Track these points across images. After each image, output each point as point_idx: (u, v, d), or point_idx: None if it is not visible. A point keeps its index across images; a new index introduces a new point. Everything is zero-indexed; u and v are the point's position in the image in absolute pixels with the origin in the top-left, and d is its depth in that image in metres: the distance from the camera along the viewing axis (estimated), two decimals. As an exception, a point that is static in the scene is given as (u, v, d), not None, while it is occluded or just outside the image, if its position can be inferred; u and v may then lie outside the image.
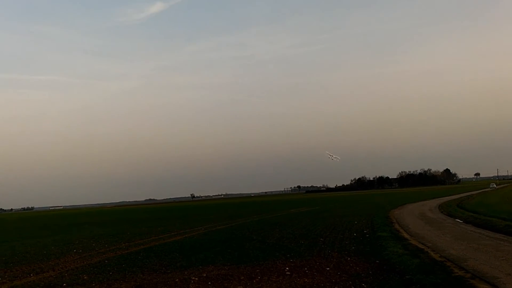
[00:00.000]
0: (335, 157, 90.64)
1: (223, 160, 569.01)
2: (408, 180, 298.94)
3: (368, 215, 42.32)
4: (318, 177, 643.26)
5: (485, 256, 16.46)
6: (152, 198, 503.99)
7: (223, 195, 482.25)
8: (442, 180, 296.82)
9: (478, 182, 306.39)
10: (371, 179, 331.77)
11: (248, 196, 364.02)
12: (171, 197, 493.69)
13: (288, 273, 14.66)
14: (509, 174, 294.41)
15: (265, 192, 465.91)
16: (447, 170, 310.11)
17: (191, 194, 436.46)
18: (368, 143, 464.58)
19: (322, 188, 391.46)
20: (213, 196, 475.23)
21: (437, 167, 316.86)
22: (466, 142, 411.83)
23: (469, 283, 12.01)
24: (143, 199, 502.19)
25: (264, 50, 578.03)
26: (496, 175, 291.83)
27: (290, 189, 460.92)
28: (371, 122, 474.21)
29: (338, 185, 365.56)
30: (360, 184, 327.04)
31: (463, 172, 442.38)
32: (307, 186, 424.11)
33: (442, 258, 16.63)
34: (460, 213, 39.14)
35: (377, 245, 20.54)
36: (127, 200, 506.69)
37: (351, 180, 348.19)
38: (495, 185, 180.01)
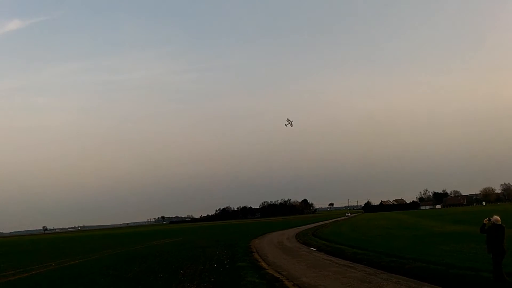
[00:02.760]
0: (289, 123, 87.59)
1: (81, 189, 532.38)
2: (270, 210, 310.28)
3: (230, 245, 42.81)
4: (183, 207, 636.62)
5: (334, 283, 17.60)
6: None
7: (80, 227, 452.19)
8: (300, 210, 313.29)
9: (332, 212, 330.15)
10: (235, 209, 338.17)
11: (108, 228, 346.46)
12: (20, 230, 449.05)
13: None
14: (358, 204, 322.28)
15: (127, 224, 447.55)
16: (305, 200, 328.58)
17: (43, 227, 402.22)
18: (232, 173, 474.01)
19: (186, 219, 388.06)
20: (69, 228, 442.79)
21: (296, 198, 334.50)
22: (321, 175, 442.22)
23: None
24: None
25: (131, 75, 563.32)
26: (348, 205, 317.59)
27: (153, 219, 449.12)
28: (234, 152, 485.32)
29: (203, 215, 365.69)
30: (225, 214, 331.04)
31: (319, 202, 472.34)
32: (172, 217, 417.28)
33: (295, 286, 17.40)
34: (314, 242, 41.50)
35: (235, 275, 20.78)
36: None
37: (216, 210, 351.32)
38: (349, 214, 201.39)
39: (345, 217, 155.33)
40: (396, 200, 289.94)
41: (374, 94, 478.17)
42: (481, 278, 15.56)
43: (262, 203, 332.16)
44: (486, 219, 15.01)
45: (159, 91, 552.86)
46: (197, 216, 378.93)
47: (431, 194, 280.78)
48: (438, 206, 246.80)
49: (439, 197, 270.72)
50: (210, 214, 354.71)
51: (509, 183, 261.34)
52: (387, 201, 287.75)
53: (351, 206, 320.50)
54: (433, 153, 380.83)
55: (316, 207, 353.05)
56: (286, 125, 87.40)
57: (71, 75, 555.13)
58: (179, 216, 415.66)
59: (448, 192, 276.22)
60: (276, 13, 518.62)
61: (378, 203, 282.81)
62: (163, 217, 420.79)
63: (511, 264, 17.39)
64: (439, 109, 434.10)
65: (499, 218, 14.82)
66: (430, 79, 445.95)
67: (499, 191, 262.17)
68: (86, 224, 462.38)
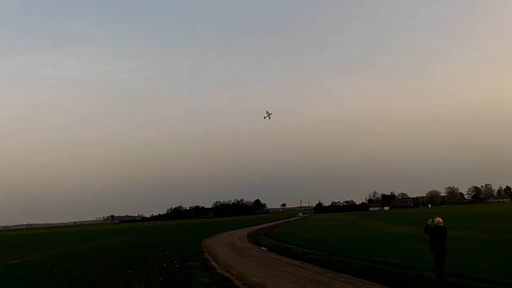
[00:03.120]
0: (267, 116, 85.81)
1: (26, 186, 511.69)
2: (223, 209, 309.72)
3: (181, 244, 42.36)
4: (133, 206, 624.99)
5: (283, 282, 17.73)
6: None
7: (25, 225, 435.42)
8: (253, 210, 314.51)
9: (284, 212, 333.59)
10: (188, 208, 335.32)
11: (55, 227, 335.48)
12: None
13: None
14: (310, 205, 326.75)
15: (74, 222, 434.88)
16: (257, 201, 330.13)
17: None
18: (185, 173, 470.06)
19: (137, 218, 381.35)
20: (13, 226, 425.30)
21: (249, 198, 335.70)
22: (274, 175, 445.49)
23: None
24: None
25: (84, 72, 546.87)
26: (300, 205, 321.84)
27: (102, 218, 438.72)
28: (188, 152, 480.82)
29: (154, 215, 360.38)
30: (177, 213, 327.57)
31: (272, 202, 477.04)
32: (122, 216, 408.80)
33: (245, 285, 17.40)
34: (265, 242, 41.72)
35: (185, 275, 20.55)
36: None
37: (168, 210, 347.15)
38: (301, 214, 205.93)
39: (297, 218, 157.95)
40: (346, 202, 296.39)
41: (324, 98, 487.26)
42: (424, 277, 16.09)
43: (214, 203, 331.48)
44: (430, 220, 15.53)
45: (108, 88, 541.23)
46: (148, 215, 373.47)
47: (379, 196, 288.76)
48: (386, 208, 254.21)
49: (387, 199, 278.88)
50: (161, 214, 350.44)
51: (453, 187, 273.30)
52: (337, 202, 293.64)
53: (303, 206, 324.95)
54: (382, 156, 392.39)
55: (269, 207, 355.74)
56: (264, 117, 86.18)
57: (15, 69, 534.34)
58: (129, 215, 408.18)
59: (396, 194, 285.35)
60: (232, 14, 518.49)
61: (329, 204, 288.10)
62: (112, 216, 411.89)
63: (453, 264, 18.11)
64: (386, 115, 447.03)
65: (441, 220, 15.36)
66: (378, 85, 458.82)
67: (444, 194, 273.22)
68: (31, 222, 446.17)
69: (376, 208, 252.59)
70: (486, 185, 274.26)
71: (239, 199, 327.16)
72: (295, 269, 21.46)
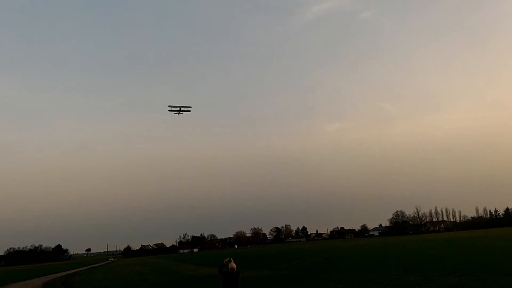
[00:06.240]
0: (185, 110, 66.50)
1: None
2: (17, 257, 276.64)
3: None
4: None
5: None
6: None
7: None
8: (53, 257, 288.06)
9: (89, 258, 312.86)
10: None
11: None
12: None
13: None
14: (118, 249, 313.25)
15: None
16: (58, 246, 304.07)
17: None
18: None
19: None
20: None
21: (49, 243, 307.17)
22: (77, 219, 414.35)
23: None
24: None
25: None
26: (107, 250, 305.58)
27: None
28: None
29: None
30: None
31: (75, 247, 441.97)
32: None
33: None
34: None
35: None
36: None
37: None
38: (112, 259, 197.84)
39: (103, 263, 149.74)
40: (156, 245, 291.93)
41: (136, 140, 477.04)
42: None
43: (7, 249, 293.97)
44: (227, 259, 16.23)
45: None
46: None
47: (190, 238, 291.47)
48: (195, 250, 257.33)
49: (197, 240, 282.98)
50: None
51: (257, 227, 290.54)
52: (147, 245, 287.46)
53: (110, 251, 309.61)
54: (191, 198, 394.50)
55: (72, 253, 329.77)
56: (174, 112, 68.95)
57: None
58: None
59: (206, 235, 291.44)
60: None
61: (139, 248, 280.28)
62: None
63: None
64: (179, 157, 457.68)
65: (235, 266, 16.08)
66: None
67: (249, 235, 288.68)
68: None
69: (186, 250, 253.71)
70: (286, 225, 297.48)
71: (37, 245, 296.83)
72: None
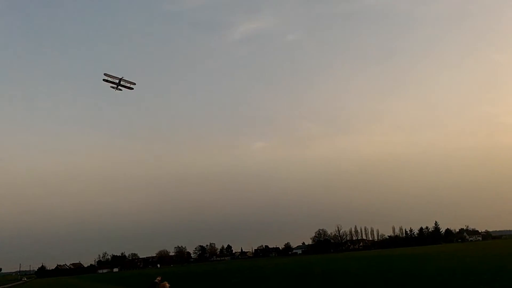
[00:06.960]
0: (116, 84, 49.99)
1: None
2: None
3: None
4: None
5: None
6: None
7: None
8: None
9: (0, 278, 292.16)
10: None
11: None
12: None
13: None
14: (32, 269, 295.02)
15: None
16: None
17: None
18: None
19: None
20: None
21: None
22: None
23: None
24: None
25: None
26: (19, 270, 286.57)
27: None
28: None
29: None
30: None
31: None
32: None
33: None
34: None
35: None
36: None
37: None
38: (25, 279, 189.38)
39: (15, 283, 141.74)
40: (73, 264, 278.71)
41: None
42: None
43: None
44: (159, 278, 16.61)
45: None
46: None
47: (109, 257, 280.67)
48: (115, 269, 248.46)
49: (117, 260, 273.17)
50: None
51: (181, 246, 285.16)
52: (63, 265, 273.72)
53: (23, 270, 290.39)
54: (111, 216, 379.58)
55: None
56: (112, 87, 53.98)
57: None
58: None
59: (127, 255, 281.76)
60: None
61: (54, 267, 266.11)
62: None
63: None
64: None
65: (168, 286, 16.41)
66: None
67: (173, 253, 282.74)
68: None
69: (105, 270, 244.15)
70: (210, 244, 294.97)
71: None
72: None
